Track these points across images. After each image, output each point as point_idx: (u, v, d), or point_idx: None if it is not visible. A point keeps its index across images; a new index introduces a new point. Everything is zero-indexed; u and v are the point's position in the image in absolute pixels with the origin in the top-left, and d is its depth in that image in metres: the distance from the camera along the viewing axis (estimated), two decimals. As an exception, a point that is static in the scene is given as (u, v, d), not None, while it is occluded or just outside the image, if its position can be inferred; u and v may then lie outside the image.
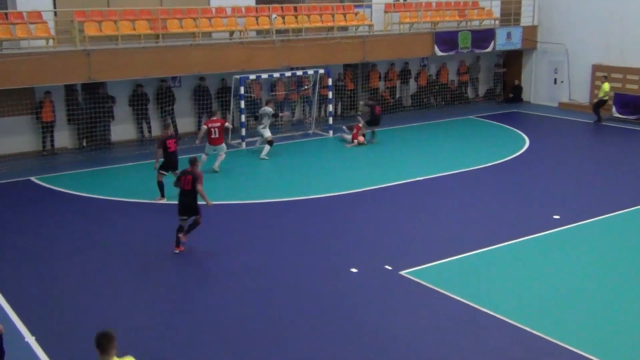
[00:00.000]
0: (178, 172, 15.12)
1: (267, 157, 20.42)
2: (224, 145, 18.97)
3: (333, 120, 24.27)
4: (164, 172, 16.21)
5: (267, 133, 20.76)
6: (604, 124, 25.45)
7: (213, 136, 18.53)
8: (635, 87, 26.17)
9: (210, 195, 14.01)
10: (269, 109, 20.70)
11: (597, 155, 21.46)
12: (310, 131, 23.94)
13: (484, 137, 23.76)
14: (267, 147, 20.58)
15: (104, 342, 6.65)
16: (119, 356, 6.72)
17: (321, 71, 23.43)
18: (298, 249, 13.51)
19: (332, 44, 24.23)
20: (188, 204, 13.08)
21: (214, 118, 18.82)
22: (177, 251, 13.12)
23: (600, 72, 27.09)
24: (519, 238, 13.80)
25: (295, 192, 17.14)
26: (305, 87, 24.57)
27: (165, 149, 16.04)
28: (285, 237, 14.19)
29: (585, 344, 9.62)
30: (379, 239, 14.04)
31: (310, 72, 23.41)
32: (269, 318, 10.63)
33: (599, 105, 25.90)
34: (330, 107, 24.12)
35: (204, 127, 18.67)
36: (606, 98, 25.80)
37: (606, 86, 25.64)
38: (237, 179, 18.59)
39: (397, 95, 28.38)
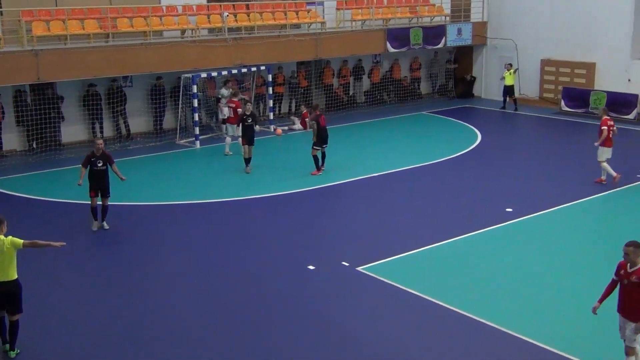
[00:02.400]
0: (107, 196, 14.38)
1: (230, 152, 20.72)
2: (233, 127, 20.45)
3: (274, 116, 24.31)
4: (95, 195, 14.22)
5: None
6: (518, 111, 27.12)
7: (228, 115, 20.80)
8: (583, 80, 26.77)
9: (162, 196, 16.47)
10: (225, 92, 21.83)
11: (547, 149, 21.87)
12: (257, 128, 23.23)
13: (436, 132, 24.02)
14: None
15: None
16: (5, 235, 9.20)
17: (259, 68, 23.46)
18: (254, 247, 13.48)
19: (285, 41, 24.24)
20: (327, 135, 18.20)
21: (234, 99, 20.71)
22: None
23: (549, 66, 27.72)
24: (473, 231, 14.00)
25: (249, 190, 17.10)
26: (245, 86, 24.44)
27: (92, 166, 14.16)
28: (240, 235, 14.14)
29: (542, 335, 9.80)
30: (335, 235, 14.11)
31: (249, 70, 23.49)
32: (225, 316, 10.60)
33: (507, 93, 27.36)
34: (271, 103, 24.13)
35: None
36: (511, 84, 27.22)
37: (512, 74, 27.21)
38: (191, 178, 18.46)
39: (351, 92, 28.51)
